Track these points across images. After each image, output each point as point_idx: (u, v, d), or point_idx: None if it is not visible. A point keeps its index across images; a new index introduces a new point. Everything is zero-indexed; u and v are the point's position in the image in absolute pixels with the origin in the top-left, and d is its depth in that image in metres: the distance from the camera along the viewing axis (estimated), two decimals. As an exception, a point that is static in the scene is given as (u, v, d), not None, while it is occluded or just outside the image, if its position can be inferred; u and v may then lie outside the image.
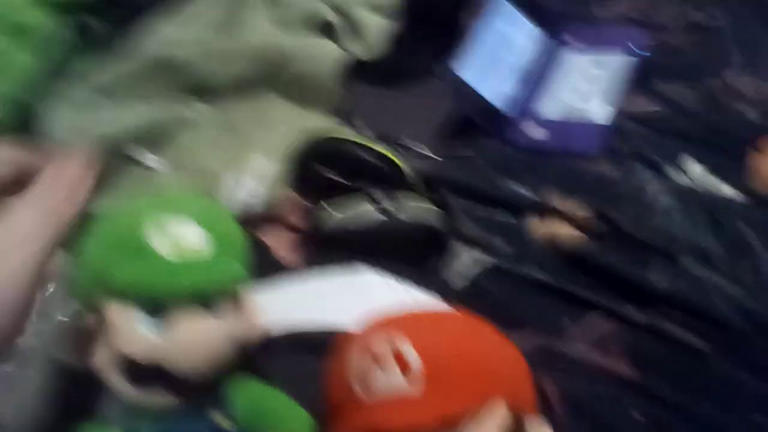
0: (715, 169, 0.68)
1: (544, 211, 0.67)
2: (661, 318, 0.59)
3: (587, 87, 0.79)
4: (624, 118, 0.76)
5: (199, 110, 0.75)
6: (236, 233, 0.44)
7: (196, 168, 0.69)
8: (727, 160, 0.69)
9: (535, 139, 0.75)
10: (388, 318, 0.39)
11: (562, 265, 0.64)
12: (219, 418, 0.41)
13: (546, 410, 0.46)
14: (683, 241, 0.62)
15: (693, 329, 0.57)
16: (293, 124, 0.72)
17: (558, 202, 0.66)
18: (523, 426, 0.37)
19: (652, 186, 0.67)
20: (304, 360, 0.46)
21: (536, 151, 0.73)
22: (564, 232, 0.65)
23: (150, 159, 0.68)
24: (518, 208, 0.67)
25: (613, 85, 0.78)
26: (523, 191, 0.68)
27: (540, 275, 0.62)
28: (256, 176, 0.67)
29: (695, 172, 0.68)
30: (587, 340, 0.59)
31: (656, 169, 0.70)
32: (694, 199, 0.65)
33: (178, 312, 0.38)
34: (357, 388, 0.35)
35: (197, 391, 0.39)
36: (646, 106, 0.78)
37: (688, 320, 0.58)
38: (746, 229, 0.61)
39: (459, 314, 0.42)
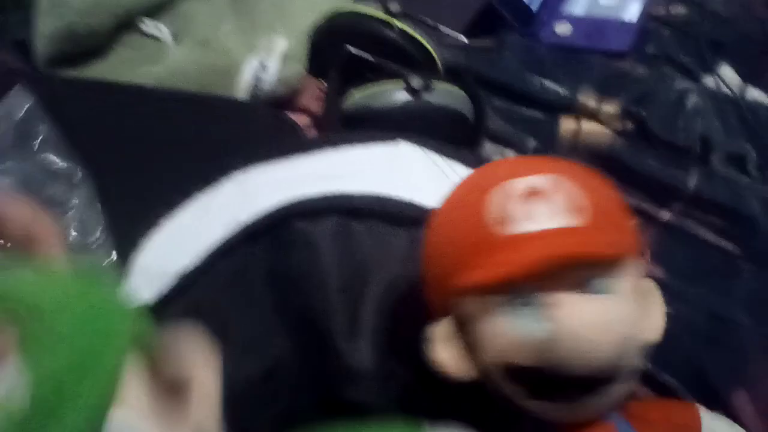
0: (748, 75, 0.66)
1: (573, 107, 0.64)
2: (691, 219, 0.58)
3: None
4: (654, 19, 0.74)
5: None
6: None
7: (216, 47, 0.64)
8: (760, 68, 0.67)
9: (564, 35, 0.72)
10: (510, 164, 0.36)
11: (589, 162, 0.62)
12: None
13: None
14: (715, 143, 0.60)
15: (723, 231, 0.57)
16: (313, 3, 0.67)
17: (587, 99, 0.64)
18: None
19: (684, 87, 0.64)
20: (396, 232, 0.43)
21: (565, 48, 0.71)
22: (593, 129, 0.63)
23: (165, 33, 0.64)
24: (546, 103, 0.65)
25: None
26: (552, 87, 0.65)
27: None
28: (278, 58, 0.63)
29: (728, 77, 0.66)
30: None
31: (687, 71, 0.68)
32: (726, 103, 0.63)
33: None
34: (504, 227, 0.31)
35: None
36: (675, 8, 0.75)
37: (718, 222, 0.57)
38: (781, 134, 0.60)
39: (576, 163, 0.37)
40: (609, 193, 0.36)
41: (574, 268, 0.31)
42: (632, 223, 0.36)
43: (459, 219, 0.34)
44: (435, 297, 0.36)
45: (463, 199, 0.35)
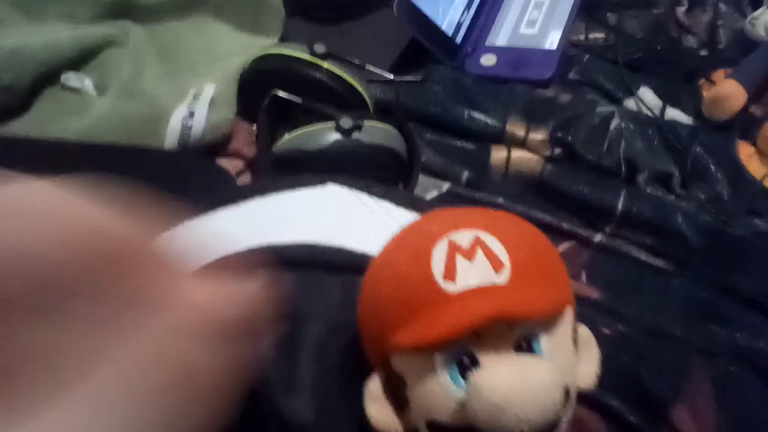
0: (668, 97, 0.69)
1: (502, 136, 0.66)
2: (622, 239, 0.59)
3: (537, 14, 0.78)
4: (574, 46, 0.76)
5: (133, 32, 0.69)
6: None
7: (141, 96, 0.63)
8: (678, 89, 0.70)
9: (488, 66, 0.73)
10: (451, 214, 0.36)
11: (521, 189, 0.63)
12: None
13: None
14: (640, 164, 0.62)
15: (653, 249, 0.58)
16: (240, 47, 0.67)
17: (515, 127, 0.66)
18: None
19: (607, 111, 0.66)
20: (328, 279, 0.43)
21: (491, 78, 0.72)
22: (522, 156, 0.64)
23: (88, 84, 0.62)
24: (476, 134, 0.66)
25: (562, 12, 0.77)
26: (480, 118, 0.66)
27: (498, 199, 0.61)
28: (206, 104, 0.62)
29: (648, 99, 0.69)
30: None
31: (610, 95, 0.70)
32: (648, 124, 0.65)
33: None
34: (442, 282, 0.32)
35: None
36: (594, 33, 0.78)
37: (648, 240, 0.59)
38: (702, 152, 0.62)
39: (509, 214, 0.38)
40: (540, 246, 0.36)
41: (505, 326, 0.32)
42: (564, 273, 0.36)
43: (387, 277, 0.35)
44: (369, 350, 0.36)
45: (392, 257, 0.36)
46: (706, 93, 0.67)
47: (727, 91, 0.63)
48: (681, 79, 0.72)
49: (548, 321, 0.33)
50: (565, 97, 0.69)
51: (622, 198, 0.59)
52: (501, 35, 0.76)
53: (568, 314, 0.35)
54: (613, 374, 0.49)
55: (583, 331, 0.37)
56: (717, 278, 0.56)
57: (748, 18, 0.72)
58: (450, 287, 0.32)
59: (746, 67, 0.66)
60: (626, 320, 0.54)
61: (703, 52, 0.75)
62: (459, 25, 0.75)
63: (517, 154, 0.65)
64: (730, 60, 0.71)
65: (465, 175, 0.64)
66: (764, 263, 0.55)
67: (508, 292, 0.32)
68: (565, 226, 0.60)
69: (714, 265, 0.56)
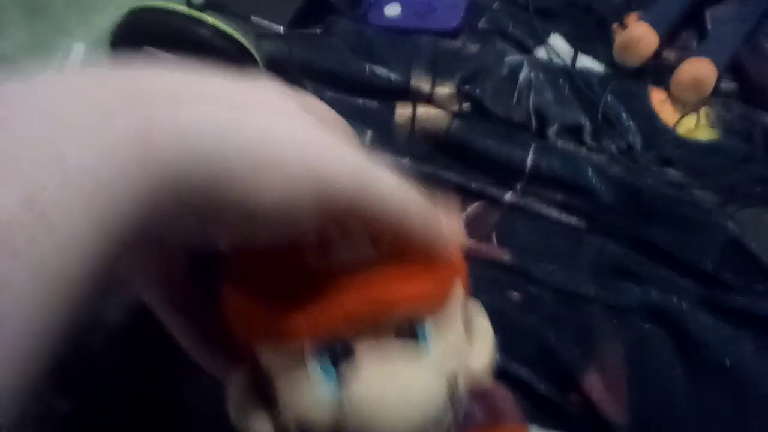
0: (580, 44, 0.66)
1: (406, 92, 0.61)
2: (532, 197, 0.56)
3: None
4: (483, -6, 0.72)
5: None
6: None
7: (5, 60, 0.56)
8: (590, 35, 0.67)
9: (392, 16, 0.68)
10: None
11: (428, 148, 0.59)
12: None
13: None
14: (550, 116, 0.59)
15: (564, 205, 0.55)
16: (112, 1, 0.61)
17: (419, 82, 0.61)
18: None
19: (516, 61, 0.63)
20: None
21: (394, 30, 0.67)
22: (428, 113, 0.60)
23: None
24: (379, 91, 0.62)
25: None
26: (382, 73, 0.62)
27: (404, 160, 0.57)
28: (77, 65, 0.56)
29: (559, 47, 0.65)
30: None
31: (520, 45, 0.67)
32: (560, 75, 0.62)
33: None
34: (313, 261, 0.27)
35: None
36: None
37: (558, 196, 0.56)
38: (613, 101, 0.59)
39: None
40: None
41: (383, 310, 0.27)
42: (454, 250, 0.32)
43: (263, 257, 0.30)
44: (232, 343, 0.31)
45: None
46: (618, 38, 0.64)
47: (638, 35, 0.60)
48: (594, 25, 0.68)
49: (434, 303, 0.29)
50: (473, 48, 0.65)
51: (531, 153, 0.56)
52: (406, -17, 0.71)
53: (458, 294, 0.31)
54: (521, 341, 0.47)
55: (477, 317, 0.33)
56: (628, 233, 0.53)
57: (661, -41, 0.69)
58: (322, 267, 0.28)
59: (657, 8, 0.63)
60: (537, 282, 0.51)
61: (616, -3, 0.72)
62: (361, -27, 0.70)
63: (423, 110, 0.60)
64: (644, 3, 0.68)
65: (368, 134, 0.59)
66: (676, 215, 0.53)
67: (386, 274, 0.28)
68: (474, 185, 0.57)
69: (625, 220, 0.53)
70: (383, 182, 0.24)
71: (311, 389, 0.27)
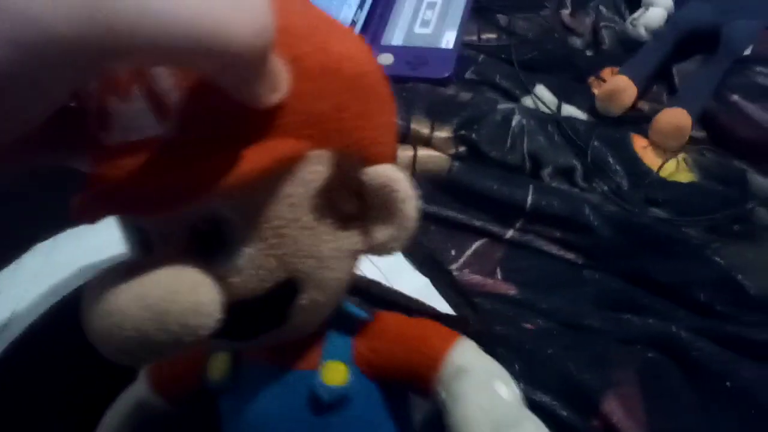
0: (562, 94, 0.70)
1: (407, 135, 0.64)
2: (533, 234, 0.59)
3: (431, 14, 0.77)
4: (468, 46, 0.76)
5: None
6: None
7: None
8: (571, 87, 0.72)
9: (386, 65, 0.71)
10: None
11: (429, 188, 0.62)
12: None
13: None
14: (544, 159, 0.62)
15: (563, 242, 0.58)
16: None
17: (419, 125, 0.64)
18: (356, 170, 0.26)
19: (507, 108, 0.66)
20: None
21: (390, 77, 0.70)
22: (429, 155, 0.63)
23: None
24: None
25: (454, 13, 0.77)
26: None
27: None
28: None
29: (544, 96, 0.70)
30: (463, 261, 0.57)
31: (508, 94, 0.71)
32: (548, 122, 0.66)
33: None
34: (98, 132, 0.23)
35: None
36: (486, 34, 0.78)
37: (558, 234, 0.59)
38: (600, 146, 0.63)
39: None
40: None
41: (173, 200, 0.23)
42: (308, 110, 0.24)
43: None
44: None
45: None
46: (598, 90, 0.68)
47: (621, 86, 0.65)
48: (572, 78, 0.74)
49: (250, 191, 0.23)
50: (466, 96, 0.68)
51: (530, 193, 0.59)
52: (396, 35, 0.75)
53: (305, 170, 0.24)
54: (541, 369, 0.49)
55: (393, 186, 0.26)
56: (626, 267, 0.56)
57: (629, 19, 0.76)
58: (106, 139, 0.23)
59: (634, 64, 0.69)
60: (544, 314, 0.54)
61: (589, 53, 0.78)
62: (353, 24, 0.73)
63: (424, 152, 0.63)
64: (615, 58, 0.74)
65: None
66: (669, 250, 0.56)
67: (172, 154, 0.22)
68: (477, 223, 0.59)
69: (622, 255, 0.57)
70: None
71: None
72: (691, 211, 0.60)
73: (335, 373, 0.29)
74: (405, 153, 0.63)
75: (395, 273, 0.51)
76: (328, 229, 0.26)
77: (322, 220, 0.26)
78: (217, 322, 0.23)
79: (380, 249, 0.27)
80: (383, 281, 0.49)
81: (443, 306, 0.50)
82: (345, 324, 0.31)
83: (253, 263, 0.24)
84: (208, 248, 0.24)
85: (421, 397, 0.29)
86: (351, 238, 0.27)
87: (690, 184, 0.62)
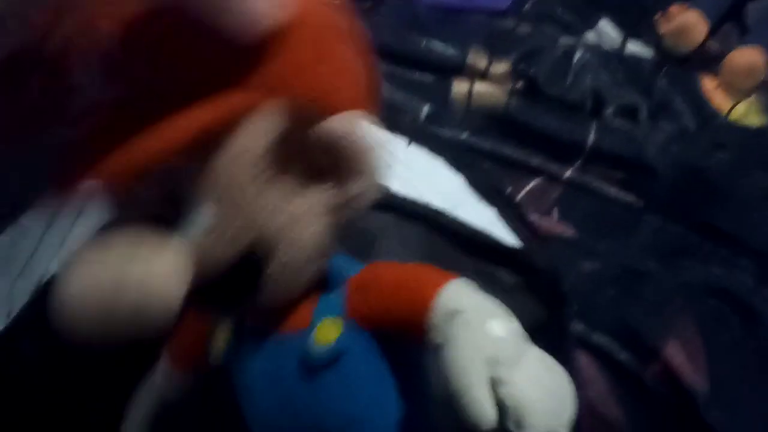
0: (627, 30, 0.67)
1: (462, 67, 0.61)
2: (592, 174, 0.57)
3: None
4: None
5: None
6: None
7: None
8: (636, 22, 0.68)
9: (443, -5, 0.69)
10: None
11: (485, 123, 0.60)
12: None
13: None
14: (607, 97, 0.60)
15: (623, 183, 0.56)
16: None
17: (476, 59, 0.61)
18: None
19: (568, 44, 0.63)
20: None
21: (445, 8, 0.67)
22: (485, 90, 0.60)
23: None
24: (435, 65, 0.61)
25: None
26: (438, 48, 0.62)
27: (463, 135, 0.57)
28: None
29: (608, 32, 0.66)
30: (519, 199, 0.56)
31: (569, 27, 0.67)
32: (610, 57, 0.63)
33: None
34: None
35: None
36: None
37: (618, 174, 0.56)
38: (667, 85, 0.60)
39: None
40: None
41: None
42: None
43: None
44: None
45: None
46: (666, 26, 0.65)
47: (692, 21, 0.62)
48: (638, 13, 0.70)
49: (205, 147, 0.23)
50: (525, 29, 0.66)
51: (591, 131, 0.57)
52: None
53: (260, 123, 0.24)
54: (599, 311, 0.47)
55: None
56: (687, 212, 0.54)
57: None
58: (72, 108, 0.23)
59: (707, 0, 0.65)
60: (601, 257, 0.52)
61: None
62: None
63: (480, 87, 0.60)
64: (683, -5, 0.70)
65: (425, 109, 0.59)
66: (732, 196, 0.54)
67: (123, 115, 0.22)
68: (534, 161, 0.57)
69: (684, 200, 0.55)
70: None
71: None
72: (759, 156, 0.57)
73: (329, 330, 0.28)
74: (460, 87, 0.60)
75: (461, 203, 0.49)
76: (294, 185, 0.25)
77: (287, 175, 0.25)
78: (182, 287, 0.22)
79: (354, 203, 0.26)
80: (449, 211, 0.48)
81: (508, 239, 0.49)
82: (337, 279, 0.30)
83: (219, 222, 0.24)
84: (172, 214, 0.24)
85: (421, 346, 0.28)
86: (323, 194, 0.26)
87: (760, 129, 0.59)
